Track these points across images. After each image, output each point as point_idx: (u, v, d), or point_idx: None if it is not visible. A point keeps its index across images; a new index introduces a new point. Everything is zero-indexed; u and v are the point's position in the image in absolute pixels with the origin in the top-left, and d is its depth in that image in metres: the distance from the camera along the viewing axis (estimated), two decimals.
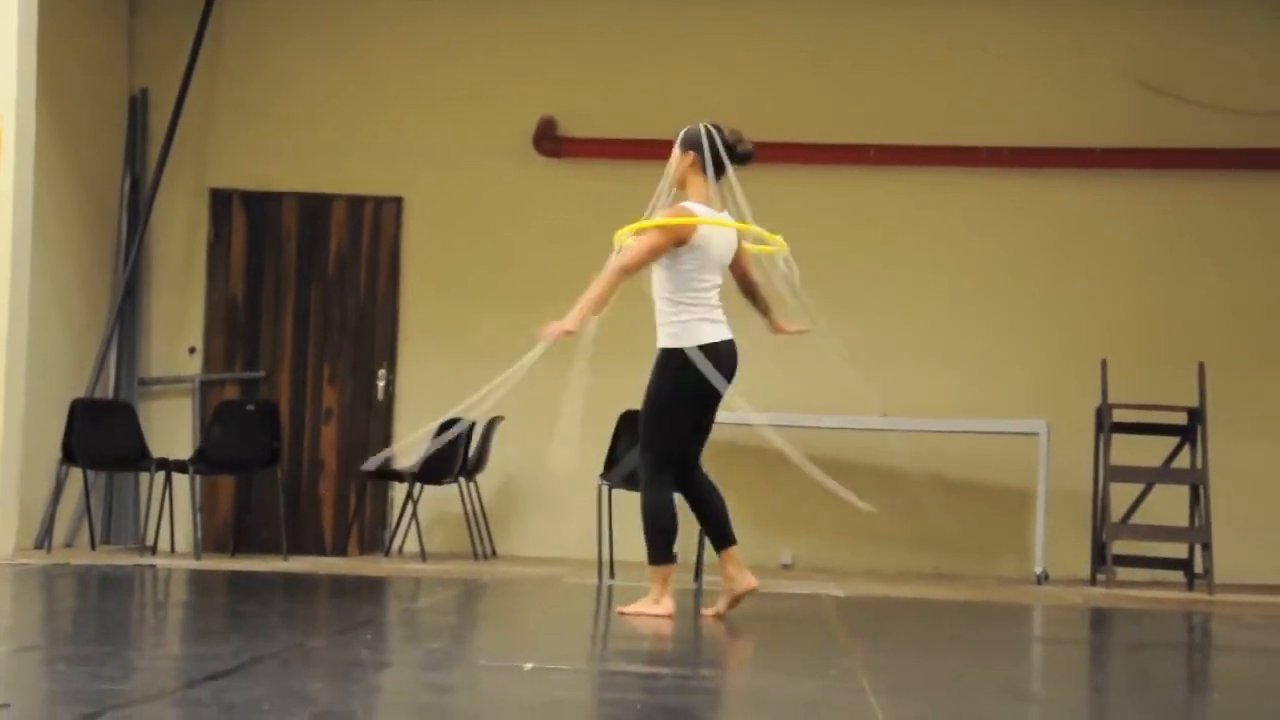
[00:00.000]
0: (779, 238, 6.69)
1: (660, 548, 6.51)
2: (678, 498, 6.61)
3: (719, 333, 6.46)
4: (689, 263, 6.43)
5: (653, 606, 6.52)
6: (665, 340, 6.49)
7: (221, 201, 11.15)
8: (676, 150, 6.58)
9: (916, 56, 11.00)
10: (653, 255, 6.41)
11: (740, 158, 6.55)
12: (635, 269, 6.45)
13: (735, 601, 6.62)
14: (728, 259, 6.56)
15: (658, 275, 6.49)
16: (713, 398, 6.48)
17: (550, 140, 11.02)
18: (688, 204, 6.50)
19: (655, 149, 10.79)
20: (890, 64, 10.99)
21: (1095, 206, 10.88)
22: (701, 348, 6.39)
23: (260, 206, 11.13)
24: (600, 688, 4.72)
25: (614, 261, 6.46)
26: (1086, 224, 10.88)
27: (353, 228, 11.12)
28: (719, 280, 6.53)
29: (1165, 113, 10.72)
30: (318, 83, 11.20)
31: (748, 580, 6.58)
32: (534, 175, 11.05)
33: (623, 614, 6.58)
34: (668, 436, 6.50)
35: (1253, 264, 10.79)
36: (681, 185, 6.56)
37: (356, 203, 11.11)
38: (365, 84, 11.18)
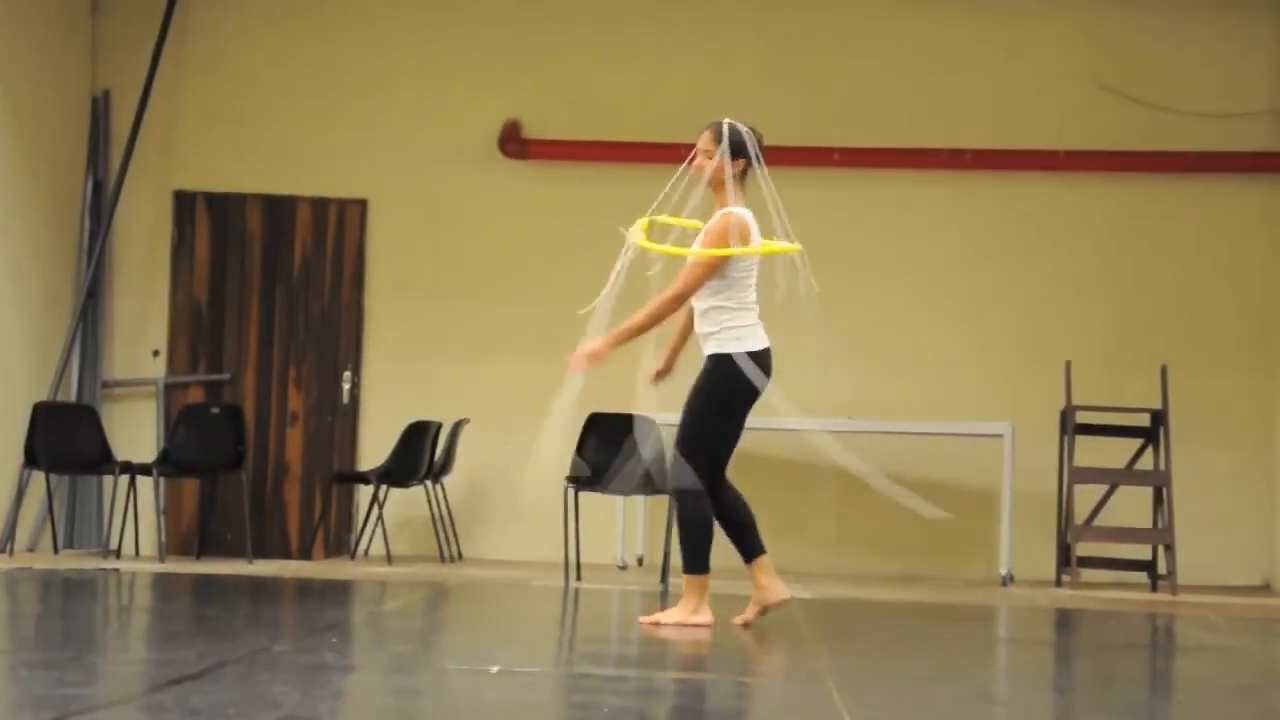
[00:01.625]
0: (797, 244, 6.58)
1: (703, 556, 6.38)
2: None
3: (766, 339, 6.41)
4: (741, 270, 6.36)
5: (691, 616, 6.38)
6: (717, 346, 6.36)
7: (185, 203, 11.09)
8: (716, 150, 6.40)
9: (879, 59, 11.02)
10: (705, 281, 6.32)
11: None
12: (687, 299, 6.36)
13: (765, 611, 6.50)
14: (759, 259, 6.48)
15: (708, 284, 6.38)
16: (751, 404, 6.39)
17: (515, 142, 11.01)
18: (735, 210, 6.36)
19: (620, 151, 10.95)
20: (853, 66, 11.02)
21: (1058, 209, 10.93)
22: (756, 354, 6.34)
23: (224, 208, 11.08)
24: (567, 690, 4.72)
25: (666, 291, 6.32)
26: (1049, 226, 10.93)
27: (317, 230, 11.08)
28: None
29: (1126, 116, 10.77)
30: (282, 85, 11.15)
31: (779, 591, 6.44)
32: (499, 177, 11.04)
33: (657, 624, 6.39)
34: (720, 443, 6.38)
35: (1214, 267, 10.85)
36: (718, 187, 6.42)
37: (321, 205, 11.07)
38: (330, 86, 11.14)
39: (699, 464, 6.35)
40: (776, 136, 7.70)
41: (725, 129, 6.43)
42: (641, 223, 6.47)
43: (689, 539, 6.38)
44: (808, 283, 6.42)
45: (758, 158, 6.41)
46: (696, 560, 6.39)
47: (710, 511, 6.40)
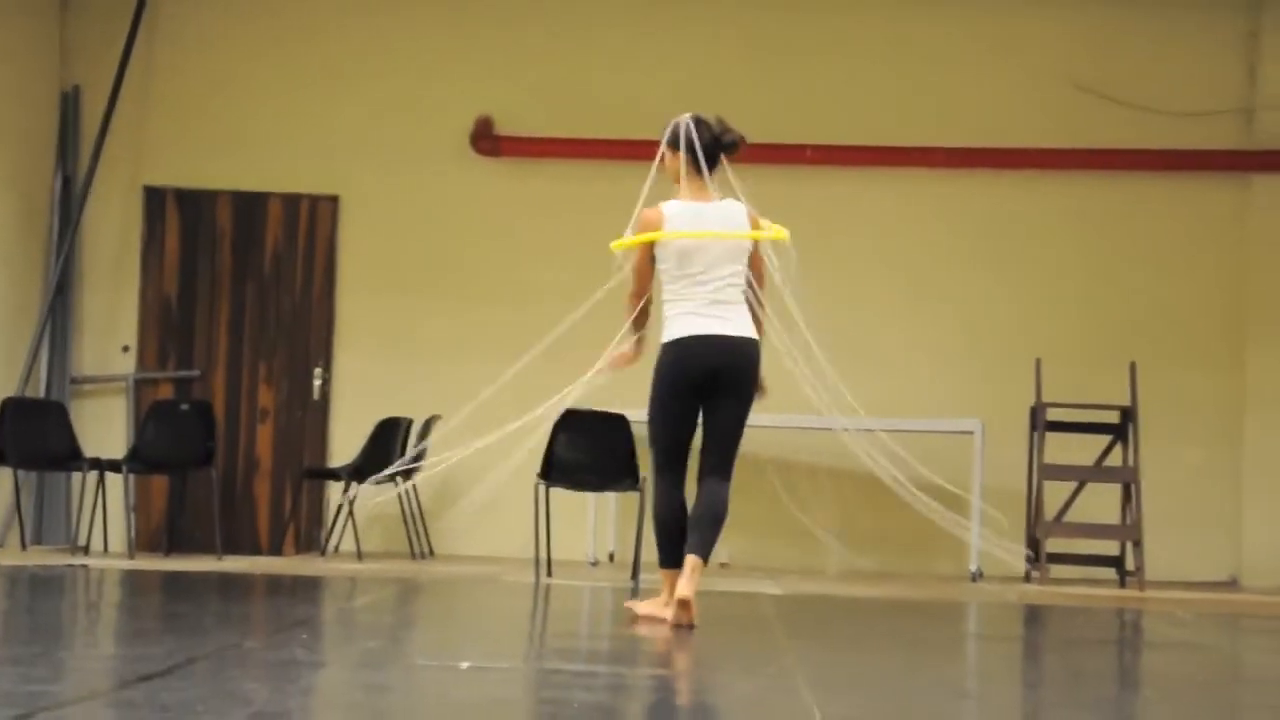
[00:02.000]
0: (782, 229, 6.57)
1: (666, 551, 6.39)
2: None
3: (701, 325, 6.32)
4: (662, 261, 6.40)
5: (662, 609, 6.38)
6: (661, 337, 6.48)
7: (155, 199, 11.05)
8: (663, 147, 6.47)
9: (854, 56, 11.05)
10: (642, 273, 6.43)
11: (726, 147, 6.45)
12: (641, 294, 6.50)
13: (680, 609, 6.31)
14: (727, 247, 6.37)
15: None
16: (701, 393, 6.34)
17: (487, 139, 11.00)
18: (660, 204, 6.40)
19: (593, 148, 10.95)
20: (828, 64, 11.04)
21: (1029, 206, 10.97)
22: (675, 342, 6.33)
23: (194, 204, 11.04)
24: (538, 686, 4.72)
25: (628, 303, 6.52)
26: (1021, 224, 10.96)
27: (288, 226, 11.06)
28: (716, 271, 6.36)
29: (1099, 114, 10.82)
30: (253, 80, 11.12)
31: (684, 588, 6.25)
32: (471, 174, 11.03)
33: (632, 611, 6.51)
34: (659, 434, 6.41)
35: (1184, 264, 10.90)
36: (676, 180, 6.46)
37: (292, 201, 11.05)
38: (301, 82, 11.12)
39: (652, 456, 6.45)
40: (755, 134, 7.73)
41: (669, 126, 6.46)
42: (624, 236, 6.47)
43: (655, 533, 6.46)
44: (786, 271, 6.44)
45: (692, 148, 6.37)
46: (663, 554, 6.42)
47: (673, 505, 6.40)
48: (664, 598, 6.44)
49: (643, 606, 6.56)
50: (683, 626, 6.15)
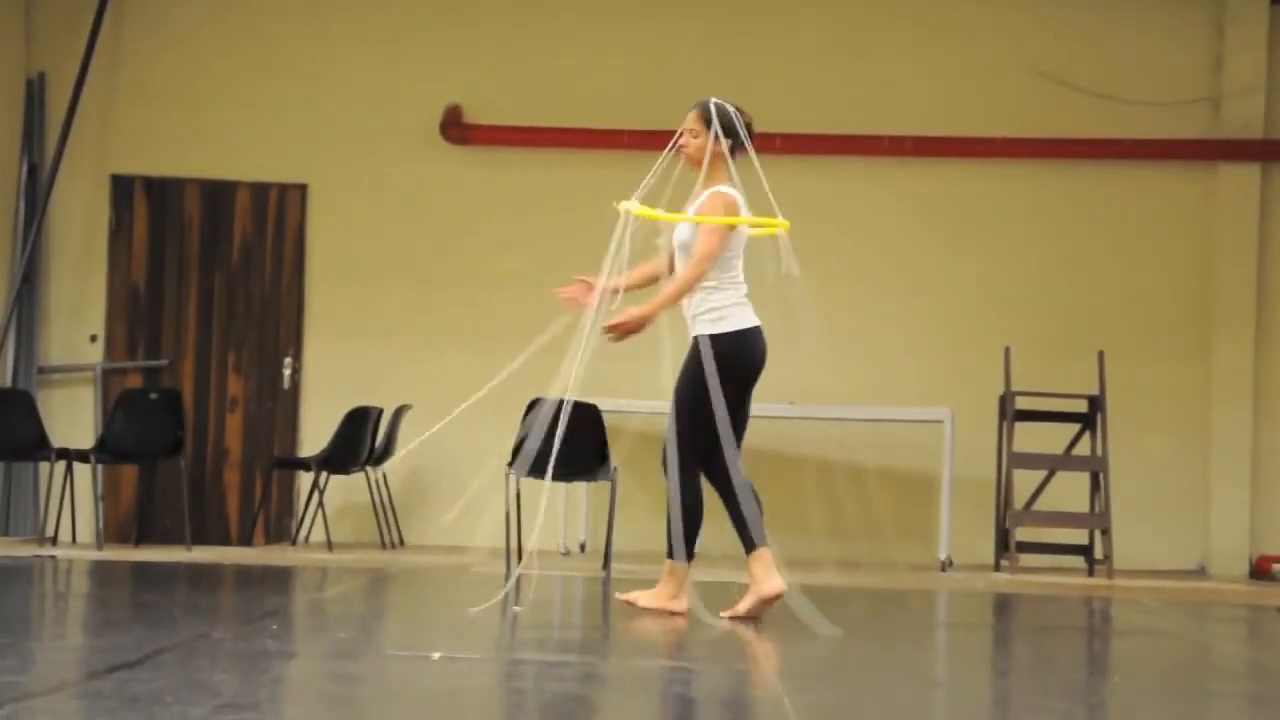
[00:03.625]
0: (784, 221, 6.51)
1: (684, 542, 6.26)
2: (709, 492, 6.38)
3: (755, 318, 6.32)
4: (732, 248, 6.29)
5: (669, 602, 6.31)
6: (707, 327, 6.26)
7: (123, 187, 10.99)
8: (703, 129, 6.31)
9: (819, 45, 11.05)
10: (717, 256, 6.24)
11: (752, 136, 6.42)
12: (707, 265, 6.22)
13: (763, 606, 6.28)
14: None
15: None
16: (751, 384, 6.31)
17: (457, 127, 10.97)
18: (725, 190, 6.30)
19: (562, 136, 10.93)
20: (795, 52, 11.04)
21: (997, 195, 11.00)
22: (754, 329, 6.27)
23: (162, 193, 10.99)
24: (508, 676, 4.72)
25: (687, 274, 6.21)
26: (988, 213, 10.99)
27: (257, 215, 11.01)
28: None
29: (1064, 103, 10.85)
30: (220, 67, 11.07)
31: (776, 583, 6.25)
32: (440, 163, 11.00)
33: (631, 603, 6.37)
34: (707, 422, 6.17)
35: (1151, 253, 10.95)
36: (700, 165, 6.34)
37: (260, 189, 11.00)
38: (270, 70, 11.06)
39: (684, 449, 6.21)
40: None
41: (713, 108, 6.35)
42: (635, 200, 6.32)
43: (680, 525, 6.25)
44: (790, 263, 6.37)
45: (747, 138, 6.34)
46: (684, 547, 6.27)
47: (701, 499, 6.29)
48: (669, 590, 6.33)
49: (644, 599, 6.42)
50: (757, 619, 6.18)
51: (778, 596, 6.23)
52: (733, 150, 6.36)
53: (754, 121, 6.47)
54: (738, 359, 6.23)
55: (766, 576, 6.23)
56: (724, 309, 6.26)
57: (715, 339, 6.23)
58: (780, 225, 6.46)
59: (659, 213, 6.30)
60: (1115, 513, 9.95)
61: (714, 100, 6.40)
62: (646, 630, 6.01)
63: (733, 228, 6.26)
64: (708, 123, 6.33)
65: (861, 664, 5.32)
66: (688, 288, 6.23)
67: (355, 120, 10.99)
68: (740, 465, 6.26)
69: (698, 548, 6.42)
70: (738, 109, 6.42)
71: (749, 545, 6.28)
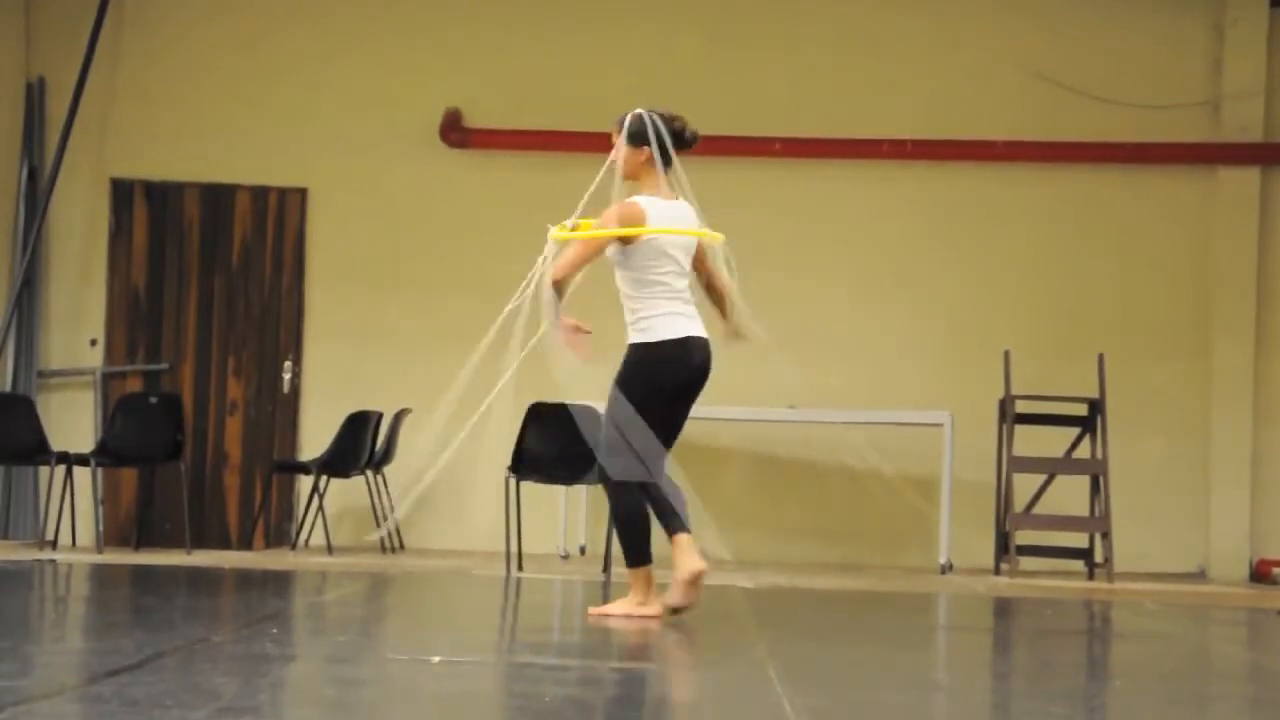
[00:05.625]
0: (719, 235, 6.45)
1: (637, 550, 6.28)
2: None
3: (690, 327, 6.26)
4: (643, 258, 6.23)
5: (637, 608, 6.31)
6: (634, 336, 6.26)
7: (122, 191, 11.00)
8: (622, 143, 6.32)
9: (819, 48, 11.06)
10: (577, 267, 6.21)
11: (686, 143, 6.37)
12: (566, 281, 6.20)
13: (687, 589, 6.25)
14: (691, 247, 6.34)
15: (618, 274, 6.29)
16: (686, 395, 6.28)
17: (456, 131, 10.98)
18: (632, 200, 6.27)
19: (562, 140, 10.92)
20: (794, 55, 11.04)
21: (997, 198, 11.00)
22: (672, 341, 6.21)
23: (162, 196, 10.99)
24: (509, 680, 4.72)
25: (546, 276, 6.21)
26: (988, 216, 11.00)
27: (256, 218, 11.01)
28: (685, 270, 6.31)
29: (1064, 106, 10.85)
30: (220, 71, 11.07)
31: (693, 563, 6.21)
32: (440, 166, 11.00)
33: (603, 616, 6.33)
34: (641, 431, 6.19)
35: (1151, 256, 10.95)
36: (634, 178, 6.33)
37: (260, 193, 11.00)
38: (270, 73, 11.07)
39: (620, 457, 6.22)
40: (715, 126, 7.77)
41: (626, 120, 6.33)
42: (566, 224, 6.35)
43: (622, 535, 6.31)
44: (730, 270, 6.36)
45: (661, 146, 6.28)
46: (633, 553, 6.31)
47: (643, 503, 6.29)
48: (636, 596, 6.35)
49: (613, 609, 6.43)
50: (687, 608, 6.16)
51: (699, 575, 6.21)
52: (650, 160, 6.29)
53: (689, 127, 6.37)
54: (654, 369, 6.21)
55: (683, 560, 6.21)
56: (648, 319, 6.24)
57: (631, 348, 6.27)
58: (713, 237, 6.40)
59: (575, 232, 6.29)
60: (1115, 516, 9.94)
61: (636, 111, 6.36)
62: (647, 634, 6.01)
63: (629, 242, 6.18)
64: (628, 138, 6.32)
65: (862, 667, 5.32)
66: (547, 288, 6.20)
67: (355, 124, 10.99)
68: (664, 467, 6.27)
69: (654, 548, 6.37)
70: (671, 116, 6.37)
71: (668, 531, 6.28)
